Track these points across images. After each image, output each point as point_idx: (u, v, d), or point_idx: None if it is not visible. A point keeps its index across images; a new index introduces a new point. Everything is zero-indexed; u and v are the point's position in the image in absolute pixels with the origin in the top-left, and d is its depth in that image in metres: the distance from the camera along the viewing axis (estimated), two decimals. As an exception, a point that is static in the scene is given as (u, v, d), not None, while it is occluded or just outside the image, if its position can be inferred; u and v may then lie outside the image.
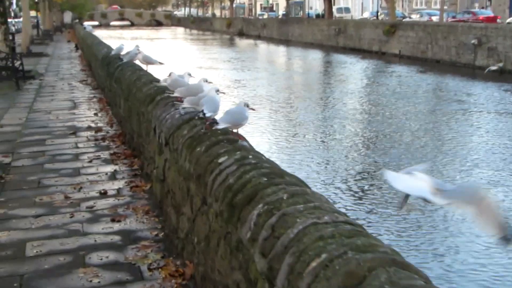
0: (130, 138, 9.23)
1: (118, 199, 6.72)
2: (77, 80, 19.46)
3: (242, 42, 63.33)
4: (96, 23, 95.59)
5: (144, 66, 10.47)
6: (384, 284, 2.21)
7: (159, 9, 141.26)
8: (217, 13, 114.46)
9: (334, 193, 11.29)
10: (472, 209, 2.77)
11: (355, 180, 12.30)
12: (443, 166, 13.14)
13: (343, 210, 3.20)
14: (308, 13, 74.17)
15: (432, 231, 9.58)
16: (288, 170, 3.99)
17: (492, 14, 49.15)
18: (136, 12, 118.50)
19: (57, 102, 14.69)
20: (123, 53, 12.06)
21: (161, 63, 10.09)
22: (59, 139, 10.16)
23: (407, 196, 3.03)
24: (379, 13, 58.01)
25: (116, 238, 5.53)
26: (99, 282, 4.62)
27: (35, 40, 41.98)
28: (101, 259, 5.05)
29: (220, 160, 4.04)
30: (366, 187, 11.84)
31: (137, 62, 10.84)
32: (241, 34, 73.87)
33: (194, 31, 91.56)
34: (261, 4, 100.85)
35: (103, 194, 6.92)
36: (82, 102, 14.60)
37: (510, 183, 12.09)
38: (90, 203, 6.59)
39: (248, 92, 24.71)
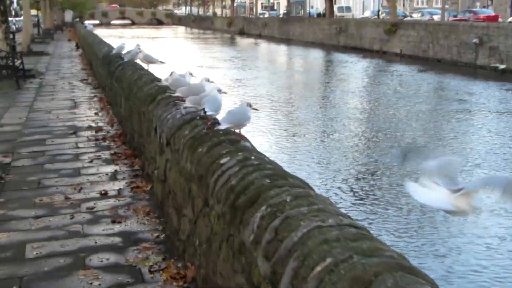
0: (131, 138, 9.18)
1: (119, 200, 6.67)
2: (77, 79, 19.42)
3: (243, 41, 63.28)
4: (97, 22, 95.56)
5: (145, 65, 10.42)
6: (391, 290, 2.16)
7: (160, 8, 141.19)
8: (218, 12, 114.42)
9: (335, 193, 11.24)
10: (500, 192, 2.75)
11: (356, 180, 12.26)
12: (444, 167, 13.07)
13: (343, 211, 3.16)
14: (309, 12, 74.17)
15: (433, 232, 9.54)
16: (288, 170, 3.94)
17: (493, 13, 49.11)
18: (137, 11, 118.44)
19: (58, 102, 14.65)
20: (124, 52, 12.01)
21: (162, 62, 10.04)
22: (59, 139, 10.11)
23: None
24: (380, 12, 57.92)
25: (117, 239, 5.48)
26: (99, 284, 4.57)
27: (36, 39, 41.95)
28: (102, 261, 5.00)
29: (222, 161, 3.98)
30: (367, 187, 11.80)
31: (138, 61, 10.80)
32: (242, 33, 73.80)
33: (195, 30, 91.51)
34: (262, 3, 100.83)
35: (104, 195, 6.87)
36: (83, 101, 14.55)
37: None
38: (91, 204, 6.54)
39: (248, 91, 24.67)
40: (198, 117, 5.24)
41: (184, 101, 5.72)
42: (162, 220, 5.91)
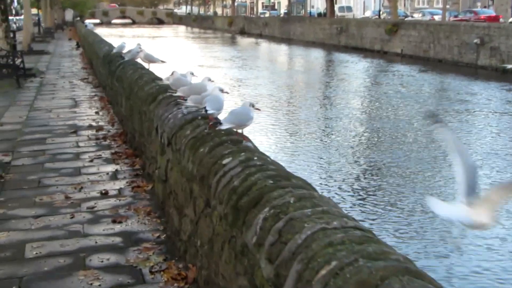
0: (132, 137, 9.14)
1: (119, 200, 6.63)
2: (78, 78, 19.37)
3: (244, 41, 63.25)
4: (97, 21, 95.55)
5: (146, 65, 10.39)
6: (398, 294, 2.12)
7: (161, 7, 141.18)
8: (219, 11, 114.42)
9: (336, 193, 11.20)
10: None
11: (356, 180, 12.22)
12: (445, 167, 13.05)
13: (344, 211, 3.12)
14: (310, 12, 74.17)
15: (434, 233, 9.50)
16: (288, 170, 3.90)
17: (493, 14, 49.10)
18: (137, 10, 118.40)
19: (58, 101, 14.61)
20: (124, 51, 11.99)
21: (163, 62, 10.01)
22: (59, 138, 10.07)
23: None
24: (381, 12, 57.89)
25: (117, 239, 5.44)
26: (99, 285, 4.53)
27: (36, 38, 41.89)
28: (102, 261, 4.96)
29: (225, 162, 3.94)
30: (368, 188, 11.76)
31: (138, 60, 10.76)
32: (243, 32, 73.77)
33: (196, 29, 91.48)
34: (263, 3, 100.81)
35: (104, 194, 6.83)
36: (83, 100, 14.51)
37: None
38: (91, 203, 6.50)
39: (249, 91, 24.64)
40: (199, 117, 5.19)
41: (185, 100, 5.68)
42: (163, 220, 5.86)
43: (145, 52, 10.42)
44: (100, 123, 11.32)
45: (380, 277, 2.24)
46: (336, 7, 64.61)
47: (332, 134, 16.69)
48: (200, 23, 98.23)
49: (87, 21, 49.31)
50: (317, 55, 44.03)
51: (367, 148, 15.19)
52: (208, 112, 4.74)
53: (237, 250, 3.38)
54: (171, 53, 36.17)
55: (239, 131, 4.61)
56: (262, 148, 4.45)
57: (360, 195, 11.29)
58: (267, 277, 2.86)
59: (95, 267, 4.85)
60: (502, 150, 14.76)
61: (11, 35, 23.34)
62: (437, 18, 48.19)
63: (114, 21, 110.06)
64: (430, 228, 9.71)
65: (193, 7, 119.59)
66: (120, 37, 51.23)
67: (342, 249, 2.49)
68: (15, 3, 69.89)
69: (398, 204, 10.81)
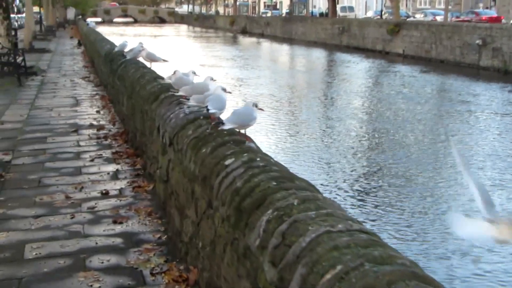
0: (133, 136, 9.10)
1: (120, 200, 6.58)
2: (79, 76, 19.33)
3: (245, 40, 63.23)
4: (99, 19, 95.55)
5: (147, 64, 10.34)
6: (405, 300, 2.08)
7: (163, 6, 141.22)
8: (221, 10, 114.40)
9: (337, 194, 11.16)
10: None
11: (357, 181, 12.17)
12: (447, 168, 13.01)
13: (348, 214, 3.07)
14: (312, 12, 74.16)
15: (435, 235, 9.46)
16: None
17: (495, 14, 49.06)
18: (139, 9, 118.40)
19: (59, 99, 14.57)
20: (126, 50, 11.95)
21: (165, 61, 9.96)
22: (60, 137, 10.03)
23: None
24: (383, 12, 57.86)
25: (118, 240, 5.38)
26: (100, 287, 4.48)
27: (38, 36, 41.86)
28: (102, 262, 4.91)
29: (227, 162, 3.89)
30: (369, 188, 11.72)
31: (140, 59, 10.71)
32: (244, 32, 73.75)
33: (197, 29, 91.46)
34: (264, 2, 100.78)
35: (105, 195, 6.78)
36: (85, 99, 14.47)
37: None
38: (92, 203, 6.45)
39: (251, 90, 24.60)
40: (202, 117, 5.14)
41: (188, 100, 5.63)
42: (164, 221, 5.81)
43: (147, 51, 10.37)
44: (101, 122, 11.27)
45: (386, 282, 2.19)
46: (338, 7, 64.58)
47: (333, 134, 16.64)
48: (202, 22, 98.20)
49: (89, 20, 49.33)
50: (319, 55, 43.99)
51: (368, 149, 15.14)
52: (210, 111, 4.69)
53: (239, 253, 3.33)
54: (173, 52, 36.13)
55: (242, 131, 4.56)
56: (262, 149, 4.40)
57: (360, 195, 11.24)
58: (270, 281, 2.81)
59: (95, 268, 4.80)
60: (504, 151, 14.71)
61: (13, 33, 23.29)
62: (439, 18, 48.14)
63: (115, 19, 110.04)
64: (431, 229, 9.67)
65: (195, 6, 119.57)
66: (121, 35, 51.21)
67: (348, 253, 2.44)
68: (17, 1, 69.88)
69: (399, 205, 10.77)
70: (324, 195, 3.32)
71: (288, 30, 61.18)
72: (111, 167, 7.99)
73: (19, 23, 51.84)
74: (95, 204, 6.43)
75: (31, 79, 18.51)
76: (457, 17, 49.58)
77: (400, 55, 38.95)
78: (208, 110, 4.72)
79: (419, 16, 56.62)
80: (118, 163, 8.18)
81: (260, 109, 4.54)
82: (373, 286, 2.19)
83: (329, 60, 41.22)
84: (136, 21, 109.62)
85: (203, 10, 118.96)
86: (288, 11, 79.72)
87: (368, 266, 2.32)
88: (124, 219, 5.89)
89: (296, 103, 22.55)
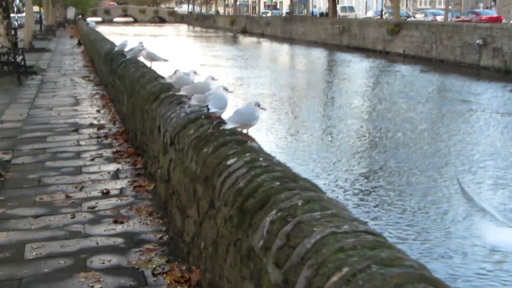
0: (134, 136, 9.06)
1: (121, 199, 6.54)
2: (79, 76, 19.29)
3: (245, 40, 63.20)
4: (99, 19, 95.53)
5: (148, 63, 10.30)
6: (414, 303, 2.03)
7: (163, 6, 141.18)
8: (221, 10, 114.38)
9: (338, 194, 11.13)
10: None
11: (358, 181, 12.14)
12: (447, 168, 12.99)
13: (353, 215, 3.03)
14: (312, 12, 74.17)
15: (437, 235, 9.43)
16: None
17: (495, 15, 49.04)
18: (139, 8, 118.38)
19: (59, 98, 14.53)
20: (126, 49, 11.91)
21: (165, 60, 9.92)
22: (60, 136, 9.99)
23: None
24: (383, 12, 57.85)
25: (119, 240, 5.34)
26: (101, 287, 4.44)
27: (38, 35, 41.82)
28: (103, 262, 4.86)
29: (229, 162, 3.85)
30: (370, 188, 11.69)
31: (140, 58, 10.68)
32: (245, 32, 73.72)
33: (198, 28, 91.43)
34: (265, 2, 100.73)
35: (105, 194, 6.73)
36: (85, 98, 14.43)
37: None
38: (92, 203, 6.40)
39: (251, 90, 24.57)
40: (203, 116, 5.10)
41: (189, 99, 5.59)
42: (165, 221, 5.76)
43: (147, 50, 10.33)
44: (101, 122, 11.24)
45: (394, 285, 2.14)
46: (338, 7, 64.55)
47: (333, 133, 16.61)
48: (202, 22, 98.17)
49: (89, 19, 49.33)
50: (319, 55, 43.97)
51: (369, 148, 15.11)
52: (211, 110, 4.65)
53: (242, 254, 3.29)
54: (173, 52, 36.09)
55: (244, 131, 4.51)
56: (262, 148, 4.36)
57: (362, 195, 11.22)
58: (274, 283, 2.77)
59: (96, 268, 4.75)
60: (504, 150, 14.69)
61: (13, 32, 23.27)
62: (439, 18, 48.12)
63: (116, 19, 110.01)
64: (433, 229, 9.64)
65: (195, 6, 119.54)
66: (121, 35, 51.18)
67: (354, 255, 2.39)
68: (17, 1, 69.82)
69: (400, 204, 10.74)
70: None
71: (288, 30, 61.14)
72: (112, 167, 7.95)
73: (19, 22, 51.79)
74: (96, 203, 6.38)
75: (31, 79, 18.47)
76: (457, 17, 49.55)
77: (400, 55, 38.93)
78: (209, 109, 4.67)
79: (419, 16, 56.59)
80: (119, 163, 8.14)
81: (263, 108, 4.50)
82: (381, 288, 2.15)
83: (329, 60, 41.20)
84: (136, 21, 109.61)
85: (203, 10, 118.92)
86: (288, 11, 79.69)
87: (375, 268, 2.27)
88: (125, 219, 5.84)
89: (297, 102, 22.52)
